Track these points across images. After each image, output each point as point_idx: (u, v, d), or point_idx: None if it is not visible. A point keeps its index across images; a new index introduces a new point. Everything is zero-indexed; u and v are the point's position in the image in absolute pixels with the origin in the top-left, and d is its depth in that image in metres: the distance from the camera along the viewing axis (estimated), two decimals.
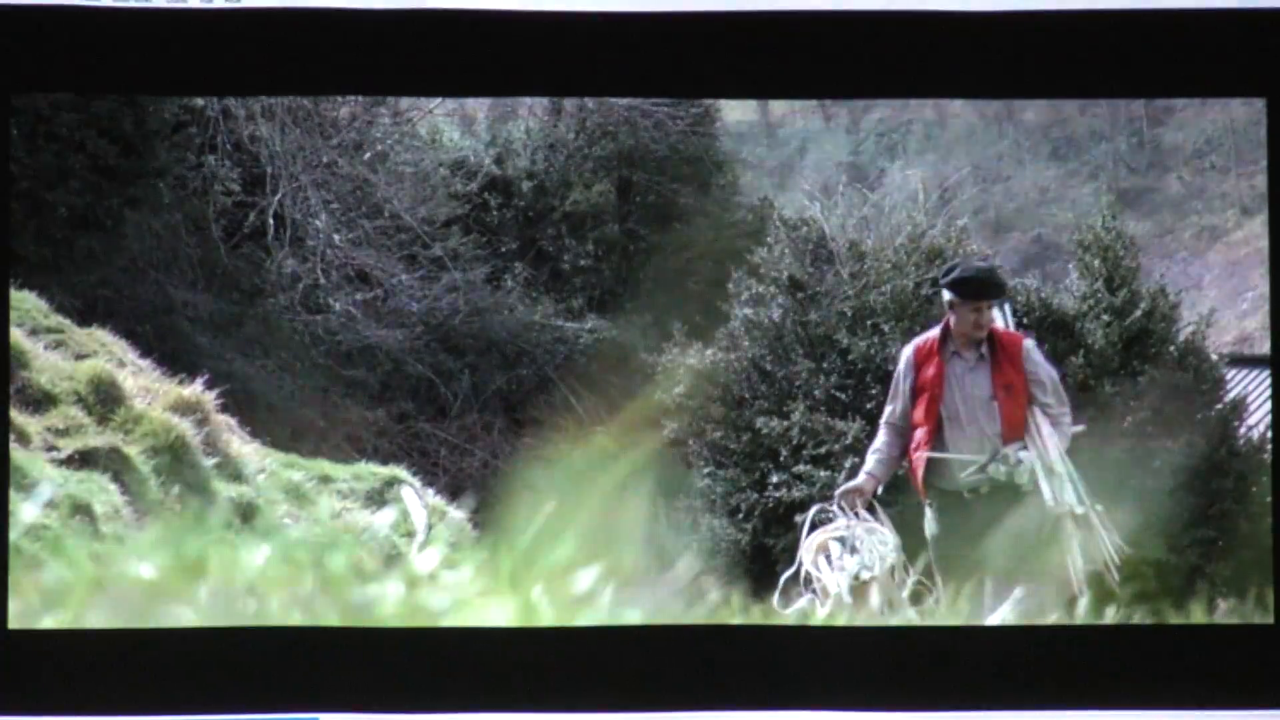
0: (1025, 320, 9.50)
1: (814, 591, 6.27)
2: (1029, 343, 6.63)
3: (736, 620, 4.60)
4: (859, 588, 6.22)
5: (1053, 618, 4.60)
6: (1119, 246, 9.55)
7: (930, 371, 6.63)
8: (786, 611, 6.06)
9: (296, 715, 4.45)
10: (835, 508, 6.67)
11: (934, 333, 6.63)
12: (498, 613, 4.42)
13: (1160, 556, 7.87)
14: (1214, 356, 9.39)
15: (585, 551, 4.98)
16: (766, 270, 9.43)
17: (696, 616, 4.72)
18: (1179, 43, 4.54)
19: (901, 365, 6.74)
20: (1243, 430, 8.97)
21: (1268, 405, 8.78)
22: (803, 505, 5.69)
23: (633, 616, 4.60)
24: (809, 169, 10.60)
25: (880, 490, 6.78)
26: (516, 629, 4.39)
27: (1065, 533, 6.36)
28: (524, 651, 4.44)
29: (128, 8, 4.60)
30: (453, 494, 8.08)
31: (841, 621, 4.47)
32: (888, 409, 6.79)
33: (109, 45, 4.60)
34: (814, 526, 6.64)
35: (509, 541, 5.73)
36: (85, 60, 4.63)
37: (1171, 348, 9.32)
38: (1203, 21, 4.52)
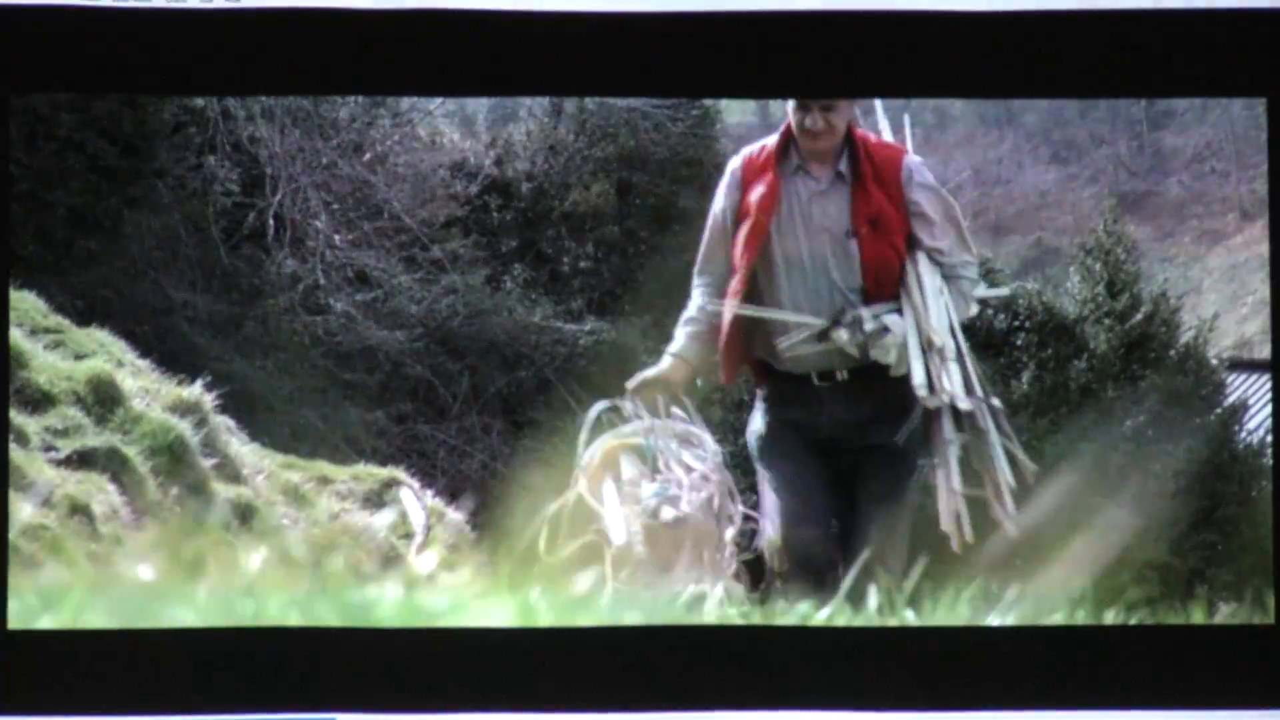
0: (1027, 324, 9.52)
1: (597, 533, 4.44)
2: (912, 159, 4.64)
3: (735, 621, 4.60)
4: (660, 534, 4.32)
5: (1057, 616, 4.53)
6: (1120, 250, 9.56)
7: (761, 190, 4.54)
8: (553, 558, 4.44)
9: (312, 715, 4.45)
10: (629, 403, 4.60)
11: (771, 139, 4.62)
12: (496, 614, 4.42)
13: (1161, 560, 7.87)
14: (1214, 361, 9.40)
15: (584, 553, 4.98)
16: None
17: (696, 617, 4.71)
18: (1179, 43, 4.54)
19: (723, 184, 4.67)
20: (1243, 435, 8.98)
21: (1268, 409, 8.79)
22: None
23: (632, 617, 4.60)
24: None
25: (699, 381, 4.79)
26: (515, 629, 4.38)
27: (941, 436, 4.46)
28: (523, 652, 4.44)
29: (128, 8, 4.60)
30: (452, 495, 8.08)
31: (841, 622, 4.47)
32: (701, 254, 4.73)
33: (109, 45, 4.60)
34: (597, 431, 4.60)
35: (508, 543, 5.73)
36: (85, 60, 4.62)
37: (1172, 352, 9.33)
38: (1203, 21, 4.53)
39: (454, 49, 4.59)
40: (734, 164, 4.66)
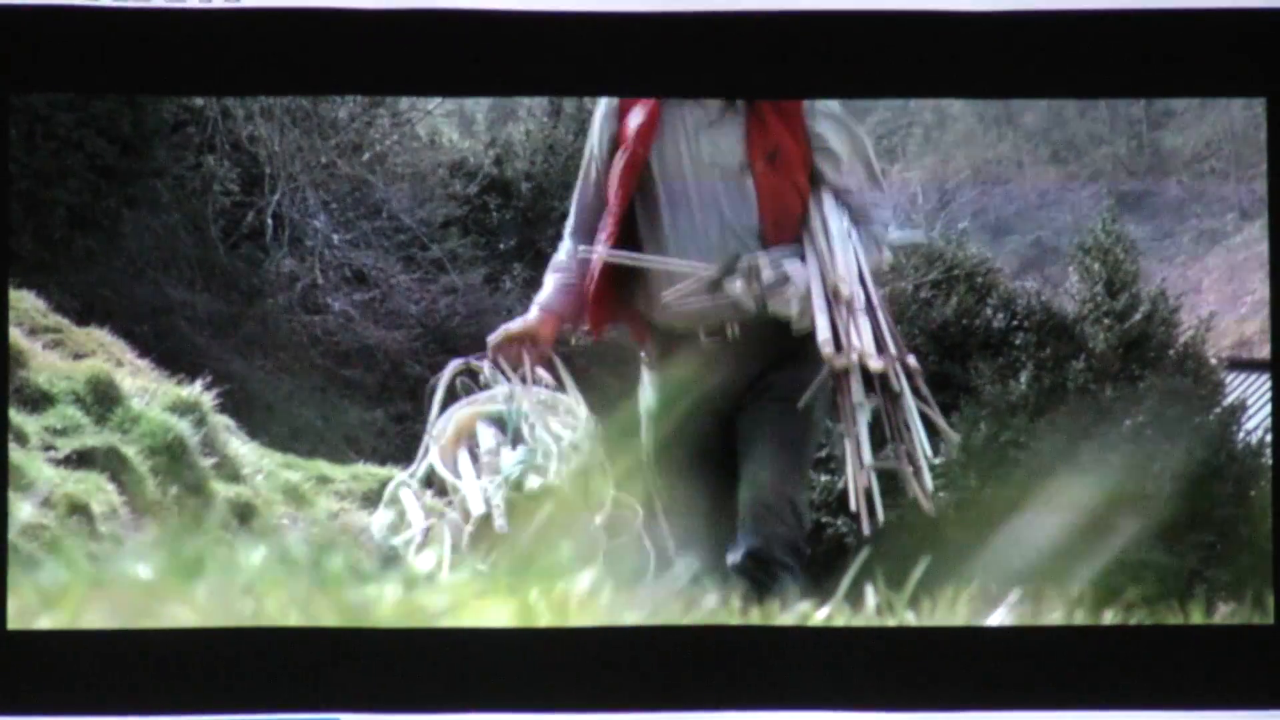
0: (1025, 324, 9.53)
1: (443, 510, 3.99)
2: None
3: (735, 621, 4.60)
4: (524, 507, 3.85)
5: (1055, 616, 4.51)
6: (1119, 250, 9.57)
7: (639, 119, 4.01)
8: (396, 541, 4.02)
9: (317, 715, 4.44)
10: (487, 367, 4.07)
11: None
12: (496, 614, 4.41)
13: (1160, 559, 7.87)
14: (1213, 361, 9.40)
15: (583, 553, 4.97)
16: None
17: (695, 618, 4.72)
18: (1179, 43, 4.54)
19: (598, 113, 4.11)
20: (1241, 435, 8.98)
21: (1267, 409, 8.79)
22: None
23: (631, 617, 4.59)
24: None
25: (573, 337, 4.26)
26: (515, 629, 4.38)
27: (849, 400, 3.87)
28: (523, 652, 4.44)
29: (127, 7, 4.59)
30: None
31: (840, 622, 4.47)
32: (576, 194, 4.15)
33: (108, 45, 4.60)
34: (453, 398, 4.11)
35: (505, 543, 5.71)
36: (84, 60, 4.62)
37: (1170, 351, 9.33)
38: (1203, 21, 4.52)
39: (454, 49, 4.59)
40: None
